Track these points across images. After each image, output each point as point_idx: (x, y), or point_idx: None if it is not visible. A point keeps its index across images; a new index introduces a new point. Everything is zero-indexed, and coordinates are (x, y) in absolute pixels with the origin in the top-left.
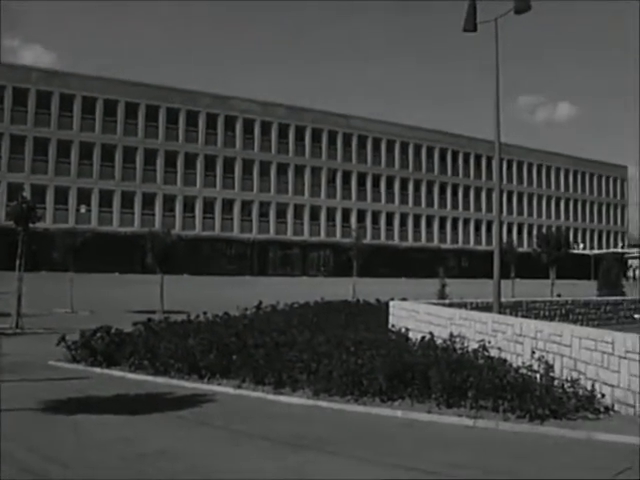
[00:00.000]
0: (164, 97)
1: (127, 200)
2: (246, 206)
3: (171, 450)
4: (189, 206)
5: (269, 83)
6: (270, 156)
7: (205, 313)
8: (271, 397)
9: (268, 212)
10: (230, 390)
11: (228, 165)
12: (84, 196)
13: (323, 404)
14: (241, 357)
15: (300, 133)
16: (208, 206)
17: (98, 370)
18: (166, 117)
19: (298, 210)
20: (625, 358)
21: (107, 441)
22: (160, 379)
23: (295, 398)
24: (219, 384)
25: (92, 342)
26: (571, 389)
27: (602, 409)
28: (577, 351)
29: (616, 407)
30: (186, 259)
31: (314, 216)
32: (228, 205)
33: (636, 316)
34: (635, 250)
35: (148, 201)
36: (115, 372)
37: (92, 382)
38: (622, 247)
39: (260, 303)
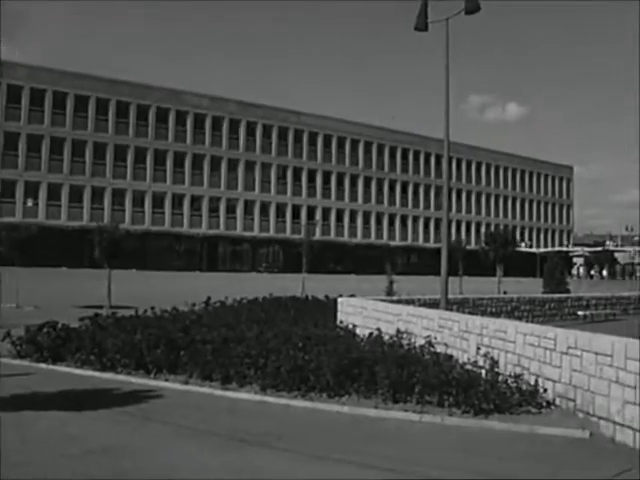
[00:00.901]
0: (115, 90)
1: (76, 194)
2: (196, 201)
3: (117, 446)
4: (138, 201)
5: (222, 78)
6: (221, 151)
7: (153, 308)
8: (218, 393)
9: (218, 207)
10: (177, 386)
11: (178, 160)
12: (32, 190)
13: (270, 400)
14: (189, 352)
15: (251, 129)
16: (158, 201)
17: (44, 366)
18: (116, 110)
19: (248, 206)
20: (567, 354)
21: (52, 438)
22: (107, 375)
23: (242, 394)
24: (166, 380)
25: (38, 337)
26: (515, 384)
27: (544, 403)
28: (521, 347)
29: (557, 401)
30: (135, 254)
31: (264, 212)
32: (178, 200)
33: (579, 313)
34: (579, 248)
35: (97, 195)
36: (61, 368)
37: (38, 378)
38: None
39: (209, 298)
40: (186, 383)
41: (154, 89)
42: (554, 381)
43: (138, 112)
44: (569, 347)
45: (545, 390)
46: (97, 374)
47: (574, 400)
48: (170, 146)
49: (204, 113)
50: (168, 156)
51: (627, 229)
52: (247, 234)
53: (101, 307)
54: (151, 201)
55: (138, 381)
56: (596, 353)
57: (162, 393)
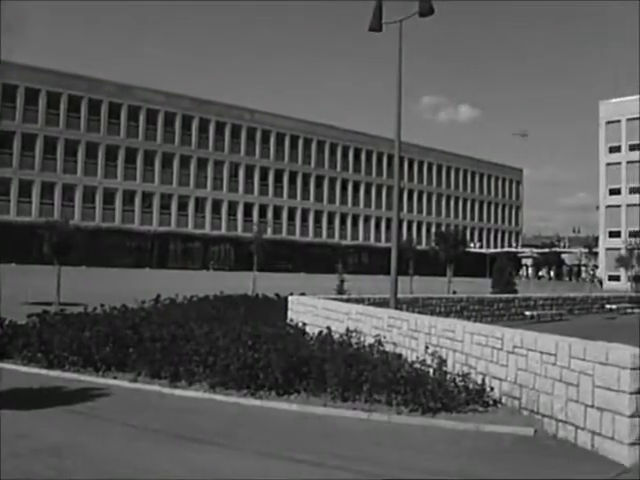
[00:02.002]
0: (66, 84)
1: (25, 189)
2: (147, 198)
3: (65, 445)
4: (89, 196)
5: (175, 75)
6: (173, 148)
7: (102, 306)
8: (167, 390)
9: (170, 205)
10: (126, 383)
11: (130, 156)
12: None
13: (219, 398)
14: (137, 350)
15: (204, 125)
16: (109, 197)
17: None
18: (67, 105)
19: (200, 203)
20: (513, 353)
21: None
22: (54, 372)
23: (191, 392)
24: (115, 377)
25: None
26: (462, 383)
27: (491, 402)
28: (469, 346)
29: (504, 400)
30: (85, 250)
31: (216, 210)
32: (129, 196)
33: (527, 313)
34: (528, 250)
35: (47, 190)
36: (7, 365)
37: None
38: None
39: (158, 296)
40: (135, 381)
41: (106, 83)
42: (500, 380)
43: (90, 106)
44: (515, 346)
45: (492, 389)
46: (44, 372)
47: (519, 398)
48: (122, 142)
49: (157, 109)
50: (120, 152)
51: (574, 231)
52: (198, 232)
53: (50, 304)
54: (102, 197)
55: (86, 379)
56: (541, 352)
57: (110, 391)
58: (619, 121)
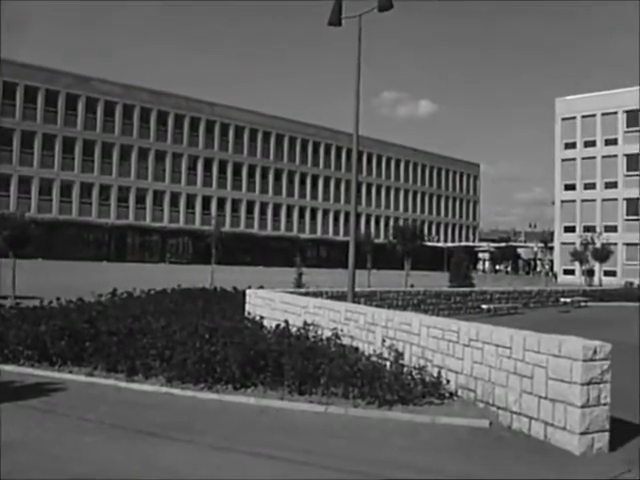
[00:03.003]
0: (23, 75)
1: None
2: (105, 190)
3: (19, 441)
4: (46, 189)
5: (134, 67)
6: (131, 140)
7: (58, 299)
8: (123, 385)
9: (127, 197)
10: (82, 378)
11: (88, 147)
12: None
13: (176, 391)
14: (94, 344)
15: (162, 118)
16: (66, 189)
17: None
18: (24, 96)
19: (158, 196)
20: (469, 346)
21: None
22: (9, 367)
23: (148, 386)
24: (70, 372)
25: None
26: (419, 376)
27: (447, 394)
28: (425, 339)
29: (459, 392)
30: (41, 243)
31: (174, 202)
32: (87, 189)
33: (483, 306)
34: (485, 244)
35: (2, 183)
36: None
37: None
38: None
39: (115, 289)
40: (91, 375)
41: (63, 75)
42: (456, 372)
43: (47, 98)
44: (471, 340)
45: (448, 381)
46: None
47: (475, 391)
48: (79, 134)
49: (115, 101)
50: (77, 144)
51: (530, 225)
52: (156, 225)
53: (5, 297)
54: (59, 189)
55: (42, 373)
56: (496, 345)
57: (66, 385)
58: (574, 118)
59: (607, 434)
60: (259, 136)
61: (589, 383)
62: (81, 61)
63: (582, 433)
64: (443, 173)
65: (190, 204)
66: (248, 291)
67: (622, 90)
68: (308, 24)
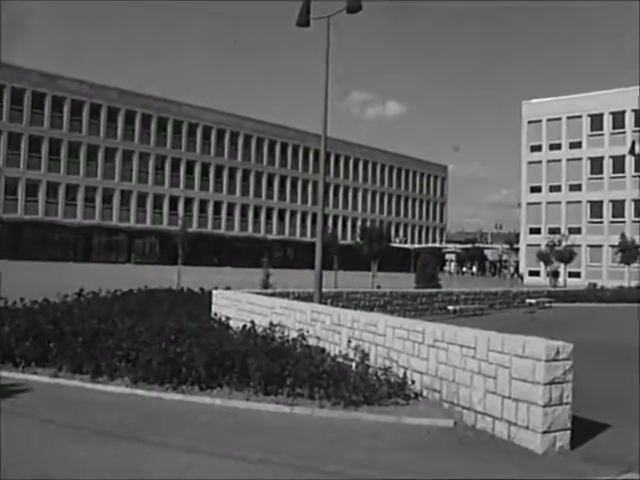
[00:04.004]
0: None
1: None
2: (71, 190)
3: None
4: (11, 188)
5: (101, 66)
6: (98, 140)
7: (23, 300)
8: (89, 386)
9: (94, 197)
10: (46, 379)
11: (54, 147)
12: None
13: (141, 392)
14: (58, 345)
15: (130, 117)
16: (31, 189)
17: None
18: None
19: (125, 196)
20: (434, 347)
21: None
22: None
23: (113, 387)
24: (35, 373)
25: None
26: (384, 376)
27: (412, 395)
28: (391, 340)
29: (424, 393)
30: (6, 243)
31: (141, 203)
32: (53, 188)
33: (449, 307)
34: (452, 245)
35: None
36: None
37: None
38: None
39: (81, 290)
40: (55, 376)
41: (29, 72)
42: (422, 373)
43: (13, 96)
44: (436, 340)
45: (413, 382)
46: None
47: (440, 391)
48: (46, 132)
49: (82, 100)
50: (43, 142)
51: (496, 227)
52: (123, 225)
53: None
54: (24, 189)
55: (5, 374)
56: (461, 346)
57: (30, 387)
58: (540, 121)
59: (569, 432)
60: (227, 137)
61: (552, 383)
62: (48, 59)
63: (544, 432)
64: (411, 175)
65: (157, 204)
66: (215, 292)
67: (587, 94)
68: (276, 25)
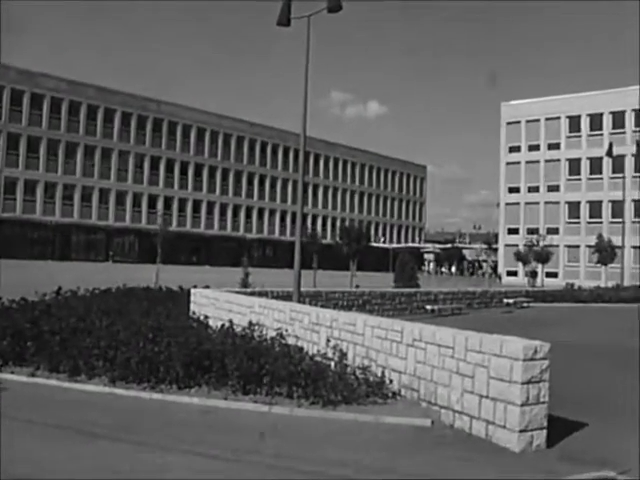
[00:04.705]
0: None
1: None
2: (50, 188)
3: None
4: None
5: (80, 63)
6: (77, 137)
7: (0, 298)
8: (66, 385)
9: (73, 195)
10: (24, 378)
11: (33, 144)
12: None
13: (119, 391)
14: (36, 344)
15: (109, 115)
16: (9, 187)
17: None
18: None
19: (104, 194)
20: (412, 346)
21: None
22: None
23: (91, 385)
24: (12, 372)
25: None
26: (362, 376)
27: (390, 394)
28: (369, 339)
29: (403, 392)
30: None
31: (120, 201)
32: (31, 186)
33: (428, 307)
34: (430, 245)
35: None
36: None
37: None
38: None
39: (59, 288)
40: (33, 375)
41: (8, 69)
42: (400, 372)
43: None
44: (414, 340)
45: (391, 381)
46: None
47: (418, 390)
48: (24, 130)
49: (61, 97)
50: (21, 140)
51: (475, 227)
52: (102, 223)
53: None
54: (2, 187)
55: None
56: (439, 345)
57: (7, 386)
58: (519, 122)
59: (545, 431)
60: (207, 135)
61: (529, 382)
62: (26, 56)
63: (521, 431)
64: (390, 175)
65: (136, 203)
66: (193, 290)
67: (565, 96)
68: (257, 24)
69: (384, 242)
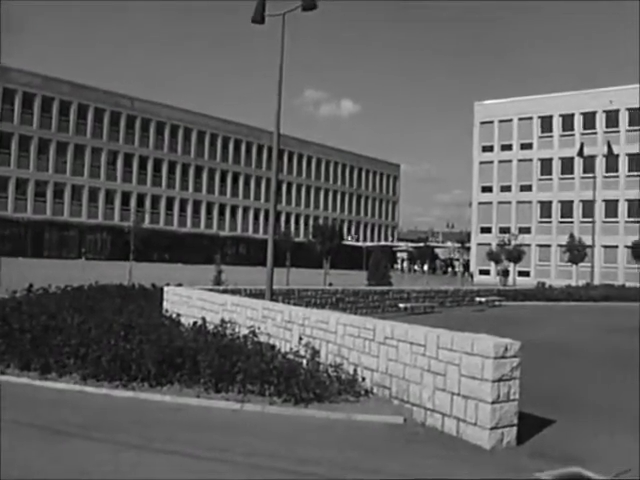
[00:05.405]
0: None
1: None
2: (22, 185)
3: None
4: None
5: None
6: (50, 133)
7: None
8: (37, 383)
9: (45, 192)
10: None
11: (4, 140)
12: None
13: (90, 390)
14: (6, 342)
15: (82, 111)
16: None
17: None
18: None
19: (76, 191)
20: (384, 344)
21: None
22: None
23: (62, 384)
24: None
25: None
26: (335, 373)
27: (362, 392)
28: (341, 337)
29: (375, 390)
30: None
31: (93, 198)
32: (3, 183)
33: (401, 305)
34: (403, 244)
35: None
36: None
37: None
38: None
39: (31, 285)
40: (3, 373)
41: None
42: (372, 370)
43: None
44: (386, 337)
45: (363, 379)
46: None
47: (390, 388)
48: None
49: (33, 92)
50: None
51: (448, 226)
52: (74, 220)
53: None
54: None
55: None
56: (411, 343)
57: None
58: (492, 122)
59: (515, 428)
60: (180, 132)
61: (500, 380)
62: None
63: (492, 428)
64: (363, 173)
65: (109, 200)
66: (166, 288)
67: (538, 97)
68: (231, 21)
69: (357, 240)
